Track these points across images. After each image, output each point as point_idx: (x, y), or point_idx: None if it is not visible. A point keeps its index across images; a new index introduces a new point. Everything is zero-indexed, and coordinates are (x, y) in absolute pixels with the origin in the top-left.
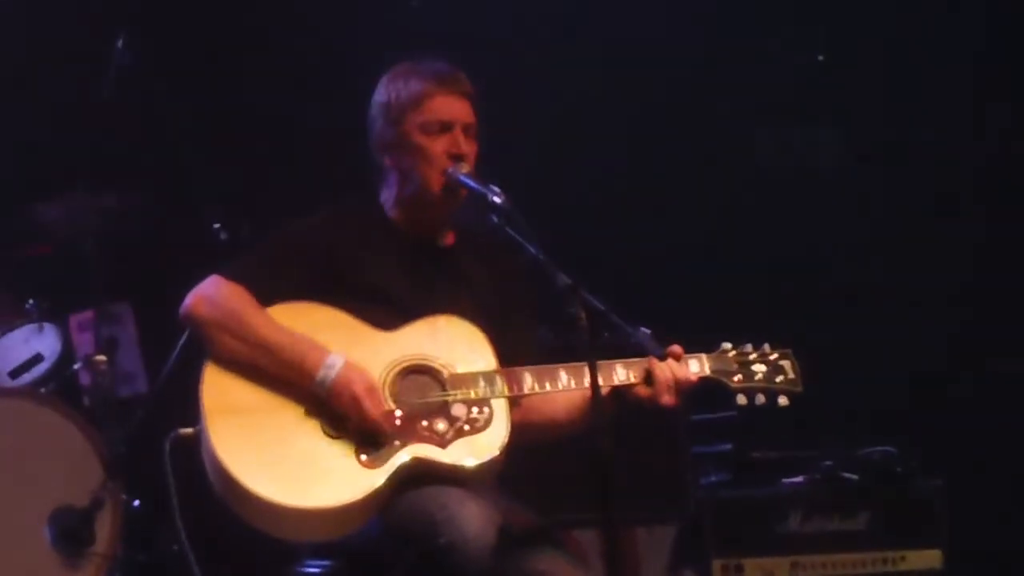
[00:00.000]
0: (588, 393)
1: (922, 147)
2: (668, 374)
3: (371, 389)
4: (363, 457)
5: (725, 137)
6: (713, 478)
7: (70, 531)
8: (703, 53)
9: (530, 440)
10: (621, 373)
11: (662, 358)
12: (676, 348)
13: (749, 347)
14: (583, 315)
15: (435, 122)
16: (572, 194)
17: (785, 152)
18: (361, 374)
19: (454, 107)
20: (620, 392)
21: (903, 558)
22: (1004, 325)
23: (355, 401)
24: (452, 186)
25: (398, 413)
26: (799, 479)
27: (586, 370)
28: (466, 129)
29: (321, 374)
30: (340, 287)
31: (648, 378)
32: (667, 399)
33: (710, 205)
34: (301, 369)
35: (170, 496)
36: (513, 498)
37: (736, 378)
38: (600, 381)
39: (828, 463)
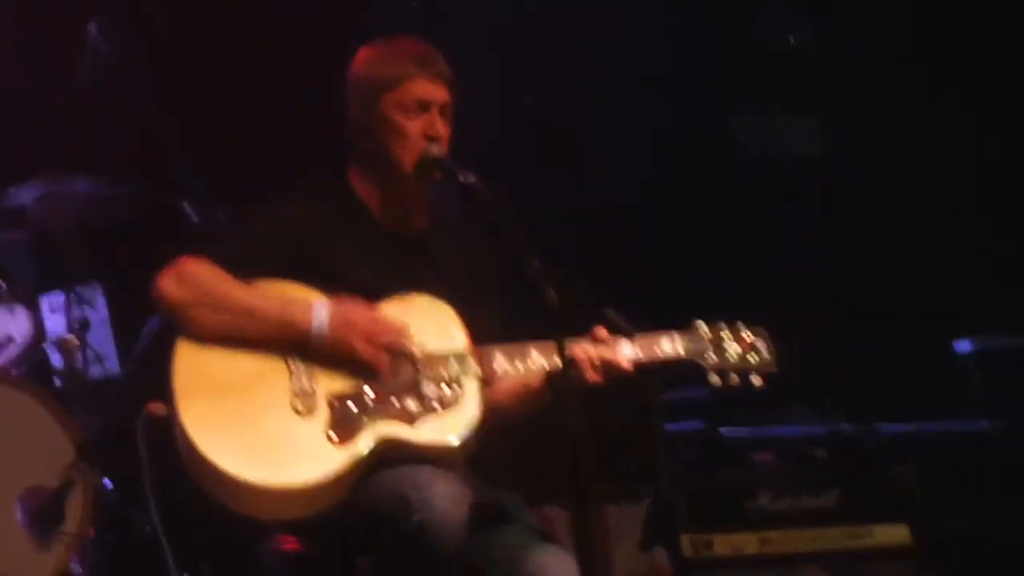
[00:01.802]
0: (527, 380)
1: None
2: (589, 353)
3: (374, 318)
4: (332, 435)
5: (704, 124)
6: (683, 455)
7: (41, 511)
8: (681, 39)
9: (498, 421)
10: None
11: (630, 337)
12: (601, 330)
13: (723, 325)
14: (555, 297)
15: (412, 102)
16: (552, 182)
17: (764, 139)
18: (354, 307)
19: (431, 88)
20: (553, 377)
21: (871, 533)
22: (988, 304)
23: (366, 331)
24: (426, 166)
25: (368, 392)
26: (768, 456)
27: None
28: (442, 110)
29: (316, 324)
30: (312, 271)
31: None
32: (591, 376)
33: (690, 192)
34: (290, 325)
35: (142, 472)
36: (482, 476)
37: (709, 357)
38: (545, 363)
39: (797, 440)
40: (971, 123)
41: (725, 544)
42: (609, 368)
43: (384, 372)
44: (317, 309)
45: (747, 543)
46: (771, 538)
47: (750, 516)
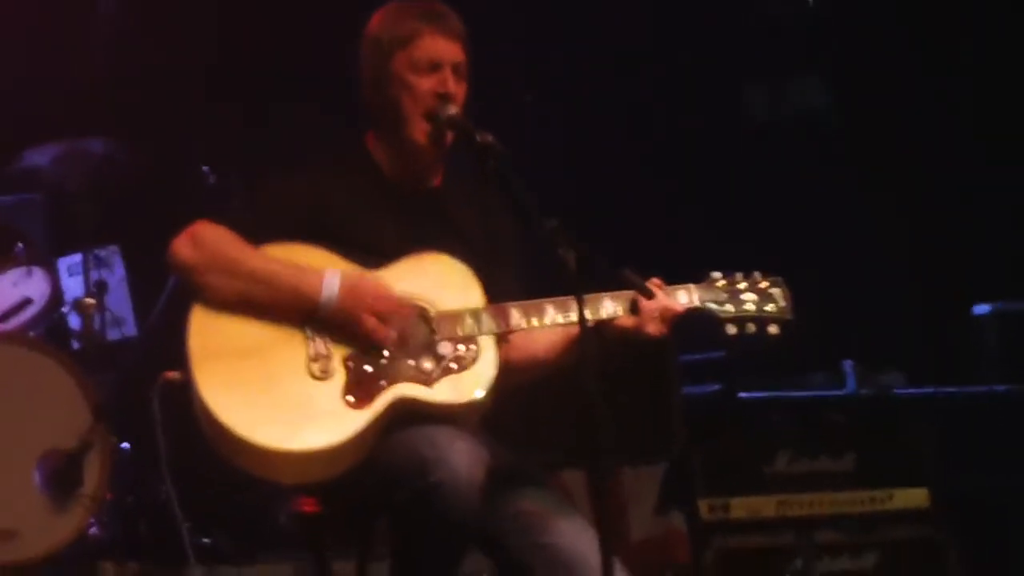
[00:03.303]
0: (569, 331)
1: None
2: (653, 303)
3: (383, 293)
4: (349, 398)
5: (714, 89)
6: (701, 418)
7: (59, 474)
8: (691, 5)
9: (512, 380)
10: (609, 306)
11: (649, 296)
12: (656, 280)
13: (739, 276)
14: (571, 256)
15: (424, 60)
16: (566, 147)
17: (775, 104)
18: (363, 278)
19: (444, 46)
20: (603, 326)
21: (890, 497)
22: (994, 270)
23: (374, 306)
24: (440, 125)
25: (384, 353)
26: (786, 419)
27: (573, 304)
28: (455, 69)
29: (325, 294)
30: (327, 233)
31: (633, 308)
32: (653, 328)
33: (701, 156)
34: (301, 293)
35: (157, 439)
36: (497, 439)
37: (726, 307)
38: (588, 315)
39: (815, 403)
40: (989, 83)
41: (742, 507)
42: (668, 317)
43: (387, 346)
44: (329, 279)
45: (764, 506)
46: (789, 501)
47: (767, 479)
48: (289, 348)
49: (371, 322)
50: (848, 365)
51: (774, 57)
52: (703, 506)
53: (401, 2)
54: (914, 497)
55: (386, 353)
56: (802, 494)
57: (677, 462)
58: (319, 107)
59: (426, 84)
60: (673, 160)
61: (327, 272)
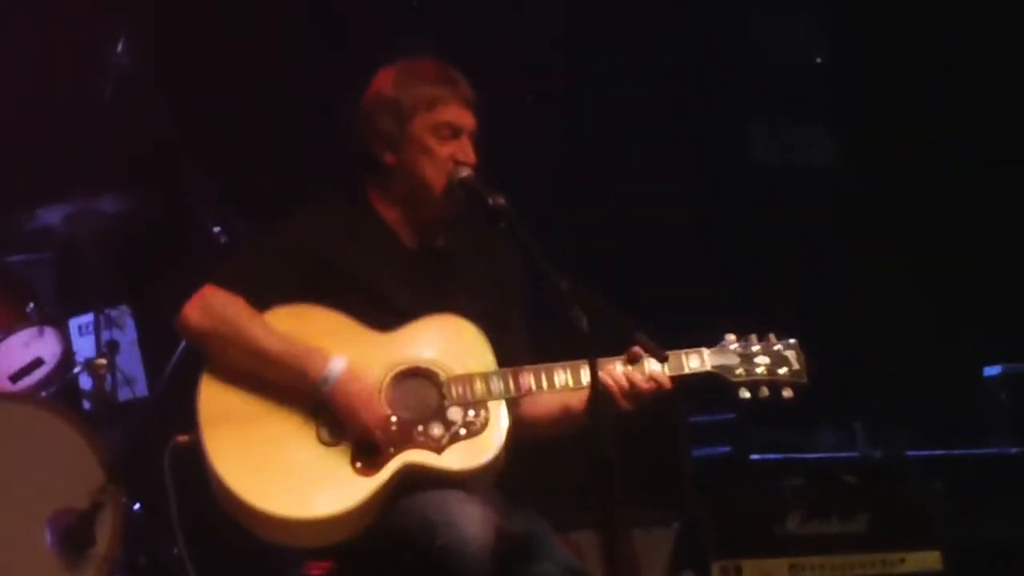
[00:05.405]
0: (567, 401)
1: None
2: (619, 381)
3: (370, 396)
4: (358, 465)
5: (718, 132)
6: (712, 480)
7: (70, 533)
8: (697, 47)
9: (525, 435)
10: (620, 371)
11: (662, 360)
12: (635, 351)
13: (753, 338)
14: (583, 319)
15: (446, 126)
16: (568, 189)
17: (778, 148)
18: (360, 380)
19: (464, 115)
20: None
21: (902, 560)
22: (1005, 332)
23: (352, 408)
24: (454, 188)
25: (394, 419)
26: (798, 481)
27: (584, 369)
28: (470, 136)
29: (323, 376)
30: (335, 288)
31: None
32: (624, 404)
33: (704, 200)
34: (303, 374)
35: (170, 503)
36: (509, 499)
37: (738, 372)
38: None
39: (826, 465)
40: (998, 143)
41: (754, 570)
42: (639, 394)
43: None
44: (332, 365)
45: (777, 569)
46: (800, 564)
47: (779, 541)
48: (299, 413)
49: (351, 420)
50: (859, 426)
51: (780, 104)
52: (716, 569)
53: (411, 63)
54: (927, 560)
55: (394, 419)
56: (814, 556)
57: (689, 523)
58: (326, 161)
59: (447, 150)
60: (681, 200)
61: (333, 358)
